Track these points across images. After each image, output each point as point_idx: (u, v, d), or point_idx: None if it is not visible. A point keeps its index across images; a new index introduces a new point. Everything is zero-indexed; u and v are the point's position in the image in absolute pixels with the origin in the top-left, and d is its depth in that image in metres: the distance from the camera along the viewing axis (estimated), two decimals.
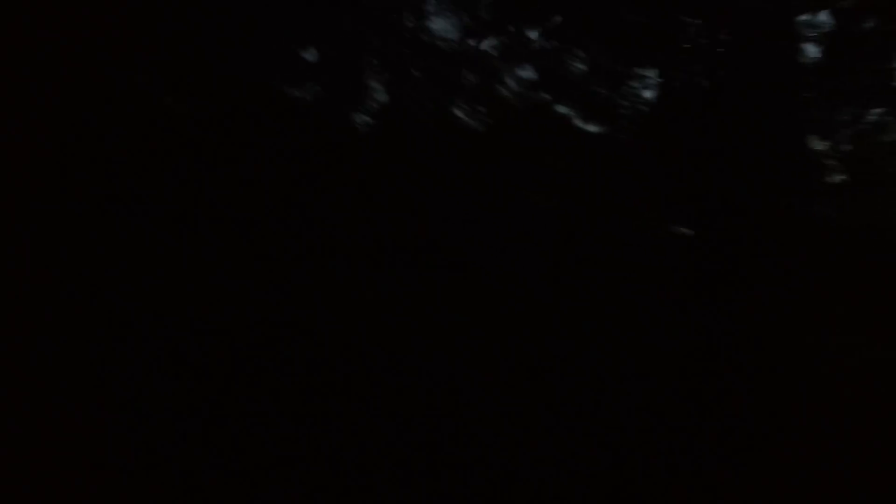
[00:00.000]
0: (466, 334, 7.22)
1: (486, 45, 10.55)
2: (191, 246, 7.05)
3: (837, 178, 9.22)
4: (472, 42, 10.70)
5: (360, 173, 8.98)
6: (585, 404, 6.68)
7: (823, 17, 9.50)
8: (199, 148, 7.86)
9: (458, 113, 10.12)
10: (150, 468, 5.09)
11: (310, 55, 9.67)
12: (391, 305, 7.33)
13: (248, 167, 7.88)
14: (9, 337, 5.76)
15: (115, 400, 5.63)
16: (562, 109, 10.03)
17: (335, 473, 5.31)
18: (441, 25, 11.00)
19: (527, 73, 10.42)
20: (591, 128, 10.05)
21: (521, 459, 5.79)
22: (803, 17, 9.65)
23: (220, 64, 8.04)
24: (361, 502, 5.08)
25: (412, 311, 7.36)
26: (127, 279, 6.61)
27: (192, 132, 7.96)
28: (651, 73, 10.59)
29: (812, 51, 9.66)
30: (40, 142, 6.80)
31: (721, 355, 7.21)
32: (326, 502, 5.02)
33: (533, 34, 10.56)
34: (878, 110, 9.17)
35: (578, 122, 10.00)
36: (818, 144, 9.44)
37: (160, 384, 5.94)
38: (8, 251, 6.24)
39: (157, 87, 7.93)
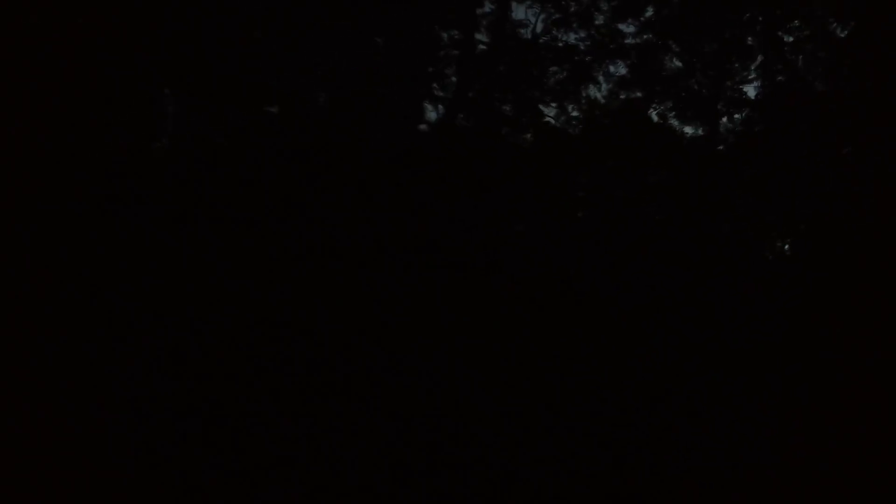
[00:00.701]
0: (468, 335, 7.24)
1: (574, 38, 10.06)
2: (191, 246, 7.09)
3: None
4: (558, 34, 10.18)
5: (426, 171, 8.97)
6: (585, 404, 6.71)
7: None
8: (199, 148, 8.00)
9: (546, 112, 9.70)
10: (150, 468, 5.08)
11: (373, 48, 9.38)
12: (391, 306, 7.35)
13: (248, 168, 7.90)
14: (9, 337, 5.77)
15: (115, 400, 5.64)
16: (656, 109, 9.52)
17: (335, 473, 5.26)
18: (524, 14, 10.38)
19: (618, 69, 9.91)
20: (688, 129, 9.53)
21: (521, 459, 5.74)
22: None
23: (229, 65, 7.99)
24: (361, 502, 5.03)
25: (413, 312, 7.39)
26: (127, 279, 6.62)
27: (191, 132, 8.09)
28: (752, 69, 9.97)
29: None
30: (40, 142, 6.81)
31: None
32: (326, 502, 4.97)
33: (625, 27, 10.01)
34: None
35: (674, 123, 9.48)
36: None
37: (160, 384, 5.93)
38: (8, 251, 6.26)
39: (157, 88, 7.96)
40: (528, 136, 9.45)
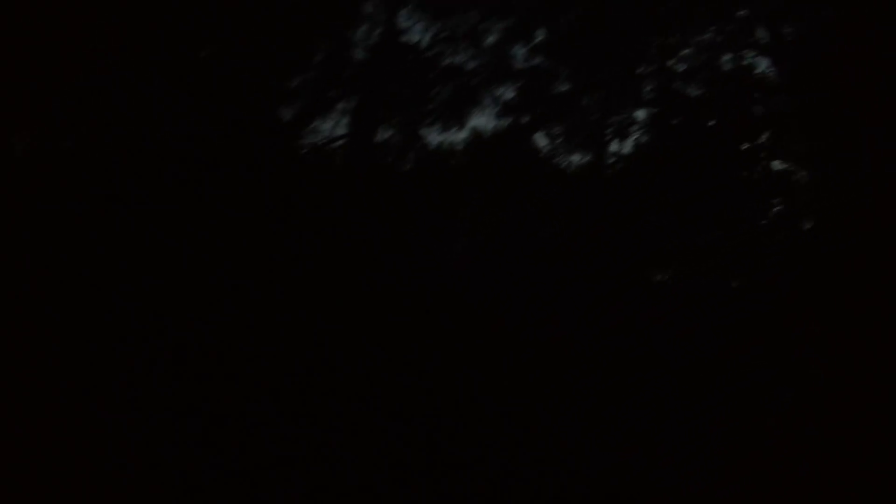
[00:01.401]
0: (465, 337, 7.27)
1: (462, 58, 9.49)
2: (191, 246, 7.05)
3: None
4: (445, 54, 9.63)
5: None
6: (584, 405, 6.65)
7: None
8: (200, 149, 7.82)
9: (427, 135, 9.06)
10: (150, 468, 5.01)
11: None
12: (391, 306, 7.36)
13: (247, 169, 7.87)
14: (9, 337, 5.73)
15: (115, 400, 5.57)
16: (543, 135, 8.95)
17: (335, 473, 5.18)
18: (414, 34, 9.90)
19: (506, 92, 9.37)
20: (576, 158, 9.01)
21: (521, 459, 5.64)
22: None
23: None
24: (361, 502, 4.93)
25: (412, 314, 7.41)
26: (127, 279, 6.59)
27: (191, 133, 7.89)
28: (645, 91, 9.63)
29: None
30: (40, 142, 6.88)
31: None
32: (326, 502, 4.88)
33: (516, 49, 9.53)
34: None
35: (562, 151, 8.92)
36: None
37: (160, 384, 5.89)
38: (8, 251, 6.22)
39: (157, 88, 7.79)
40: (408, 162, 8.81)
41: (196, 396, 5.81)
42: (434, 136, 9.06)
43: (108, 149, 7.27)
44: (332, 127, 9.28)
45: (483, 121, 9.11)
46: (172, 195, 7.35)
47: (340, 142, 9.25)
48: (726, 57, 9.81)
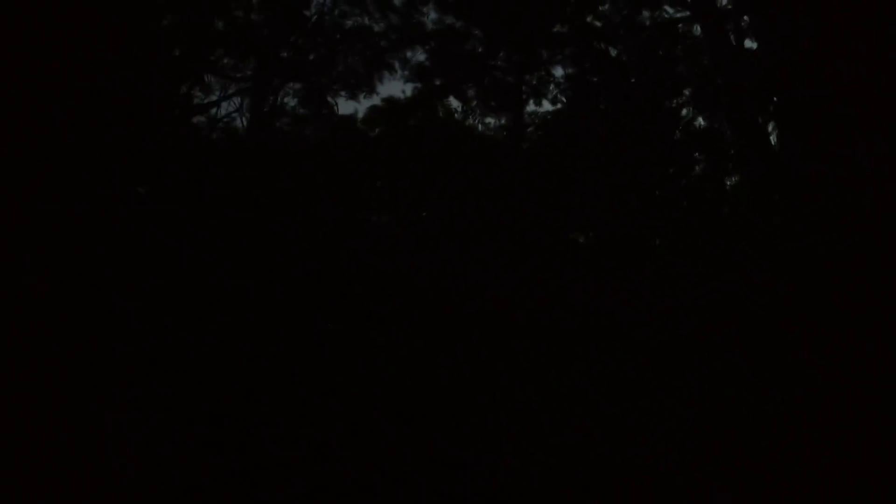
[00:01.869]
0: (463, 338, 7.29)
1: (368, 20, 8.78)
2: (191, 246, 7.13)
3: None
4: (354, 16, 9.01)
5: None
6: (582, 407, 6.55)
7: None
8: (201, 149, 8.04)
9: (334, 101, 8.40)
10: (149, 468, 4.97)
11: None
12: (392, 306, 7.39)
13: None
14: (8, 337, 5.73)
15: (115, 400, 5.55)
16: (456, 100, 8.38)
17: (335, 473, 5.19)
18: None
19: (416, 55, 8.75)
20: (490, 119, 8.47)
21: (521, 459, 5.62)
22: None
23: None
24: (361, 502, 4.95)
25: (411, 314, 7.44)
26: (127, 279, 6.64)
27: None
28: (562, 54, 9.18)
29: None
30: (40, 142, 6.90)
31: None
32: (326, 502, 4.90)
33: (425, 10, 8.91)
34: None
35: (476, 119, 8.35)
36: None
37: (159, 384, 5.88)
38: (8, 251, 6.25)
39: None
40: (314, 131, 8.13)
41: (195, 396, 5.85)
42: (342, 104, 8.45)
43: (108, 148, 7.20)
44: (230, 97, 8.59)
45: (394, 86, 8.51)
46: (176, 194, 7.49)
47: (240, 113, 8.58)
48: (646, 13, 9.44)
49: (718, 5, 9.18)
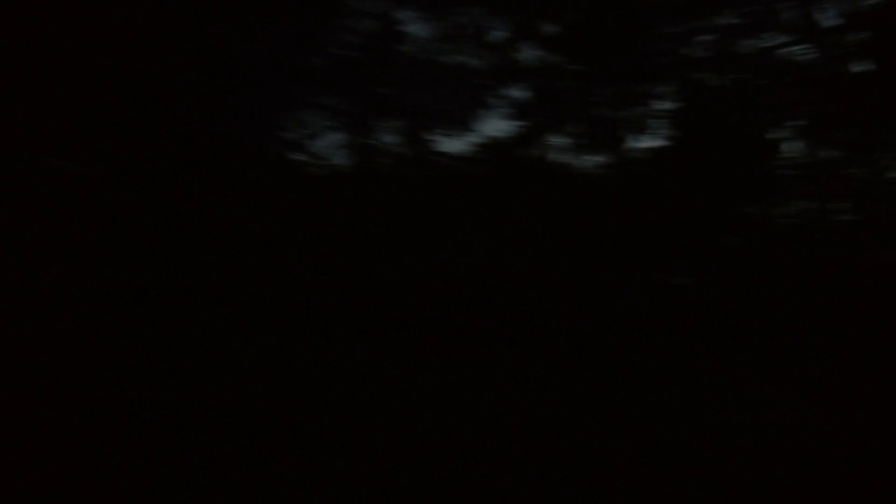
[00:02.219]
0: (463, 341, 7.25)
1: (467, 57, 8.87)
2: (191, 246, 7.05)
3: None
4: (450, 54, 9.06)
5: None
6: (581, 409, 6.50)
7: None
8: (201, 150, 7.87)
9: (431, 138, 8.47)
10: (149, 468, 4.92)
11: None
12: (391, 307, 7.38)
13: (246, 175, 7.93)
14: (8, 337, 5.71)
15: (114, 400, 5.57)
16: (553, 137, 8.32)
17: (335, 473, 5.06)
18: (416, 33, 9.23)
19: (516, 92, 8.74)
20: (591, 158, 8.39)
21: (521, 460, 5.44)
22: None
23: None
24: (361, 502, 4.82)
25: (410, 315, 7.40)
26: (127, 279, 6.59)
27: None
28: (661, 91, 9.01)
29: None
30: (41, 141, 6.81)
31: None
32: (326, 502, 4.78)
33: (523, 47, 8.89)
34: None
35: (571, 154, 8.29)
36: None
37: (159, 384, 5.88)
38: (9, 251, 6.23)
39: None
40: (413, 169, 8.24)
41: (195, 396, 5.81)
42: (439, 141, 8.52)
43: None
44: (327, 133, 8.76)
45: (491, 123, 8.54)
46: (175, 195, 7.32)
47: (338, 150, 8.74)
48: (746, 41, 9.19)
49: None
